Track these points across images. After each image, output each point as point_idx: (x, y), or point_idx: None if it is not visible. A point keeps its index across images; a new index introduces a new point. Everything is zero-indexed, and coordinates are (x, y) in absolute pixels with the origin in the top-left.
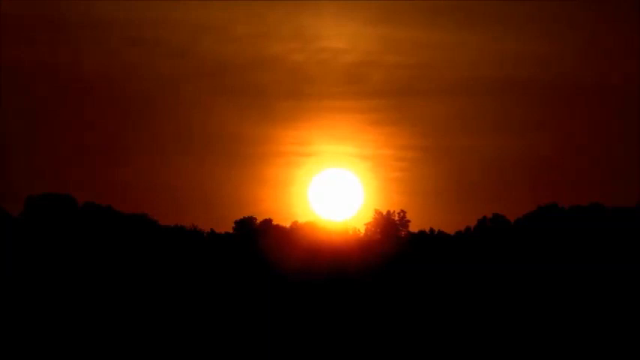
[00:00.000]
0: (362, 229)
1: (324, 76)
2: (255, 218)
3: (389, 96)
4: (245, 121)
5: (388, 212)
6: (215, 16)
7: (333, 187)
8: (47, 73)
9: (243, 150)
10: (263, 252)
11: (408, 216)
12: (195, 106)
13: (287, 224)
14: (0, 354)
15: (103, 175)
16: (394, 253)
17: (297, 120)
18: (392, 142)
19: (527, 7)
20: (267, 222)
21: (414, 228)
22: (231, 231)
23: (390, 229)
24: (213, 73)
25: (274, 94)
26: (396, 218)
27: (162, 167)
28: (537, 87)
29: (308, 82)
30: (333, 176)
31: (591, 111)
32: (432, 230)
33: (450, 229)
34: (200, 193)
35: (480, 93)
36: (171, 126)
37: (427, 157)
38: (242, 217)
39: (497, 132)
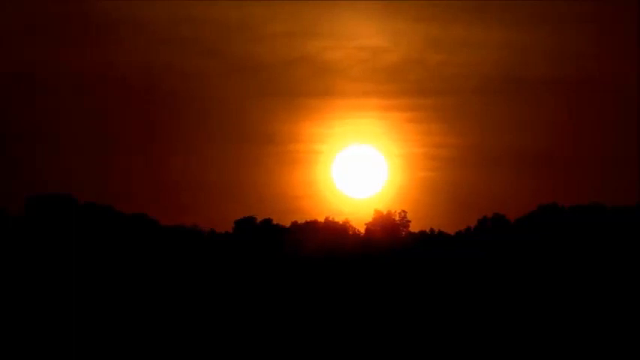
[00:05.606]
0: (362, 229)
1: (363, 75)
2: (255, 218)
3: (431, 95)
4: (274, 119)
5: (389, 212)
6: (251, 14)
7: (359, 164)
8: (51, 73)
9: (273, 149)
10: (264, 253)
11: (409, 216)
12: (223, 104)
13: (287, 224)
14: (0, 354)
15: (103, 175)
16: (395, 254)
17: (332, 119)
18: (427, 141)
19: (576, 7)
20: (267, 222)
21: (414, 227)
22: (230, 231)
23: (391, 230)
24: (245, 71)
25: (307, 93)
26: (397, 218)
27: (174, 166)
28: (539, 86)
29: (346, 80)
30: (359, 152)
31: (592, 110)
32: (432, 230)
33: (450, 229)
34: (225, 192)
35: (506, 92)
36: (184, 125)
37: (458, 157)
38: (242, 217)
39: (496, 131)
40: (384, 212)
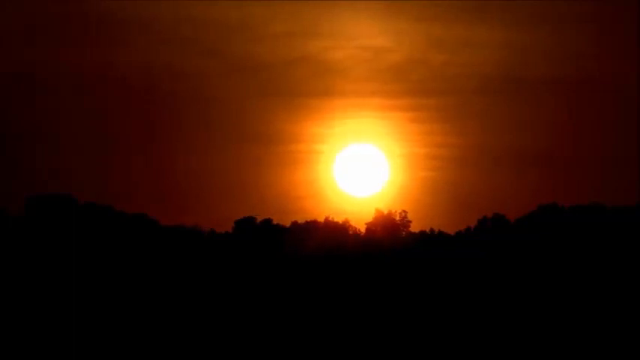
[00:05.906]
0: (363, 229)
1: (365, 75)
2: (255, 218)
3: (432, 95)
4: (275, 119)
5: (389, 212)
6: (251, 14)
7: (360, 163)
8: (51, 73)
9: (273, 149)
10: (264, 253)
11: (410, 215)
12: (223, 104)
13: (287, 224)
14: (0, 354)
15: (103, 175)
16: (395, 254)
17: (333, 118)
18: (429, 141)
19: (576, 7)
20: (267, 222)
21: (415, 227)
22: (230, 231)
23: (392, 229)
24: (245, 71)
25: (308, 93)
26: (398, 218)
27: (174, 166)
28: (539, 86)
29: (347, 80)
30: (360, 151)
31: (592, 110)
32: (432, 230)
33: (450, 229)
34: (225, 193)
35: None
36: (184, 125)
37: (459, 157)
38: (242, 217)
39: (497, 131)
40: (385, 212)
